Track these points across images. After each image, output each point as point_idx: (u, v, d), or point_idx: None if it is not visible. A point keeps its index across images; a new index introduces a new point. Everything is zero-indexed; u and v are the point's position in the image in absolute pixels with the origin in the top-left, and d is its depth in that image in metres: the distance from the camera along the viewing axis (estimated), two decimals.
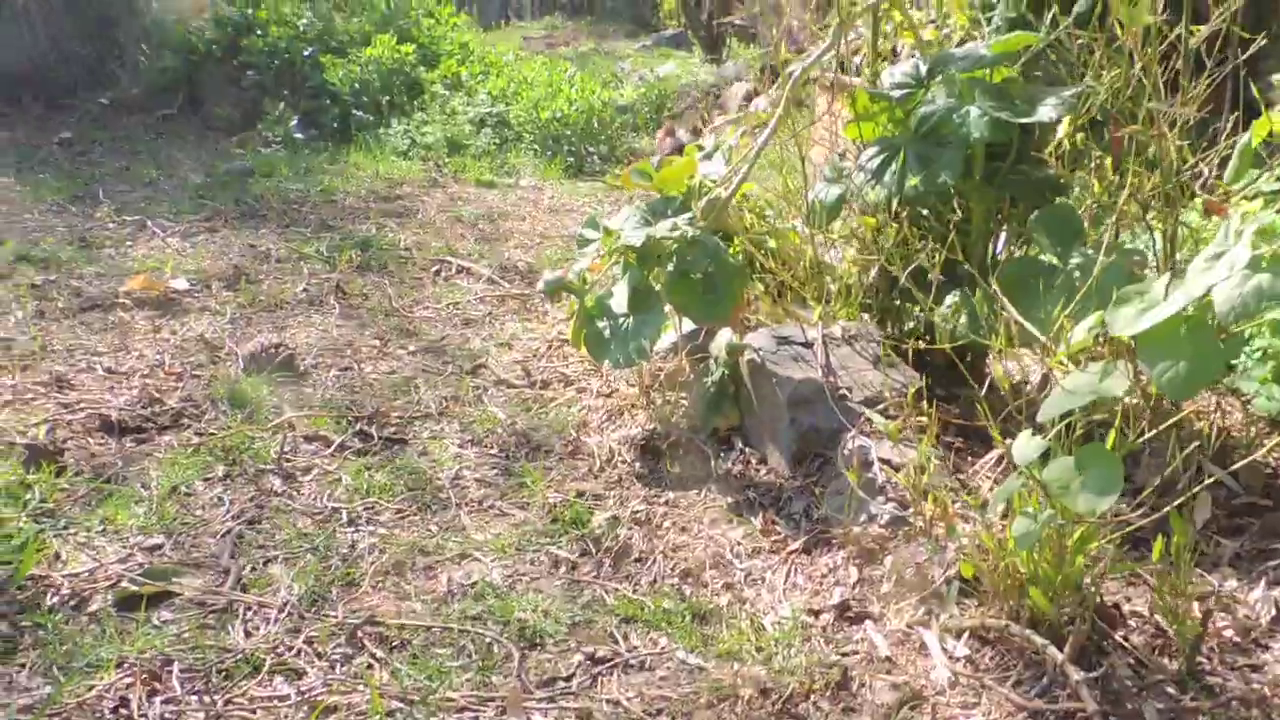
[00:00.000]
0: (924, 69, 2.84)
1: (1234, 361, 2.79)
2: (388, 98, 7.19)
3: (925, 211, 2.94)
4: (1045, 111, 2.60)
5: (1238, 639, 1.94)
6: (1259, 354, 2.57)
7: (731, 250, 3.09)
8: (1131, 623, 1.99)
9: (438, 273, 4.54)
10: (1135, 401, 2.51)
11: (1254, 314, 1.55)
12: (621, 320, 2.84)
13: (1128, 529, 1.96)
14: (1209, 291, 1.60)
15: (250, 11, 7.31)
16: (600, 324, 2.87)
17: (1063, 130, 2.71)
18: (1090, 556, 1.89)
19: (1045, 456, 1.82)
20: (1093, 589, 1.92)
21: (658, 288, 2.76)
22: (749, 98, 9.50)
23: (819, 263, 3.17)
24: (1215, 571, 2.16)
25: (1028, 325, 2.20)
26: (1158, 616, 1.95)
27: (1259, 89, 2.38)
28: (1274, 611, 2.00)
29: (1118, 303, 1.74)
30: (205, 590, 2.23)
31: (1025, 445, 1.78)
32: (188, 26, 7.37)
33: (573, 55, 12.73)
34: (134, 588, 2.22)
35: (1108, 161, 2.63)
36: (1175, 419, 2.00)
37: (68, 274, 4.23)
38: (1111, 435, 1.94)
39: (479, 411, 3.16)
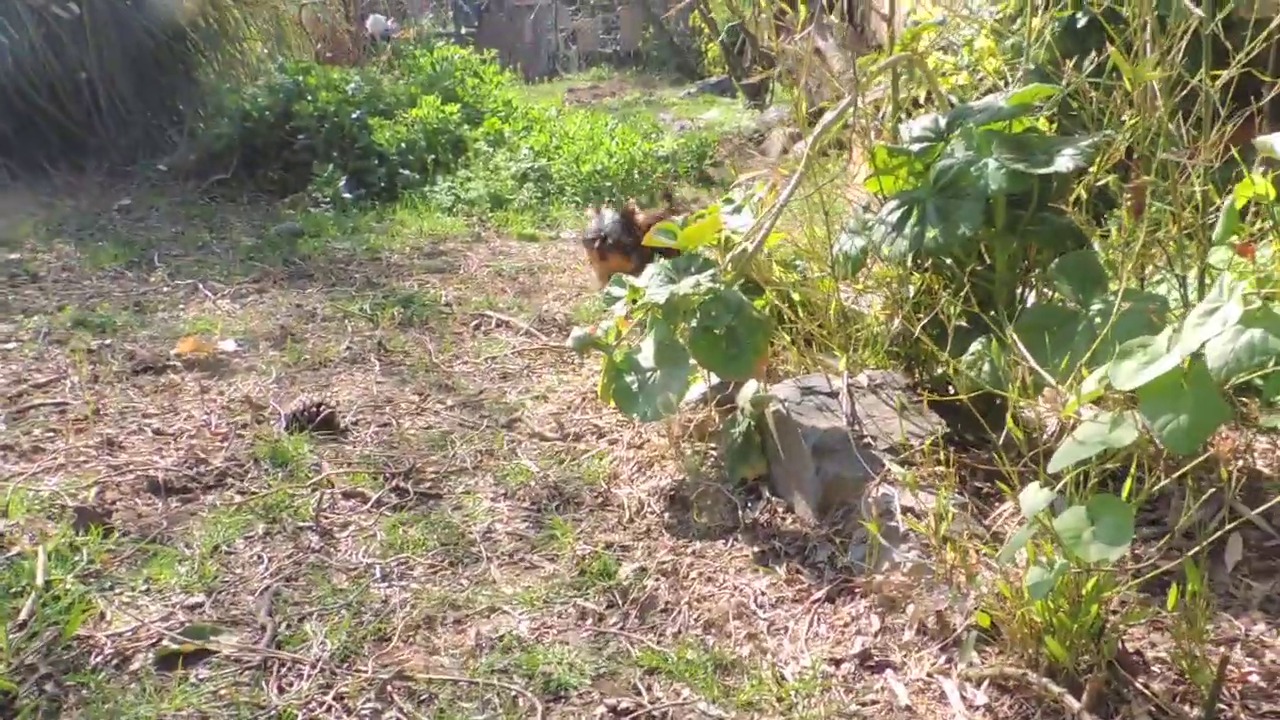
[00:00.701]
0: (943, 123, 2.88)
1: (1274, 400, 2.79)
2: (433, 156, 7.37)
3: (949, 261, 2.97)
4: (1063, 162, 2.62)
5: (1263, 684, 1.92)
6: None
7: (759, 303, 3.14)
8: (1154, 669, 1.98)
9: (477, 327, 4.63)
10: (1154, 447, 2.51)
11: (1246, 369, 1.56)
12: (649, 374, 2.89)
13: (1152, 574, 1.95)
14: (1203, 346, 1.61)
15: (301, 78, 7.55)
16: (628, 378, 2.92)
17: (1090, 175, 2.74)
18: (1107, 604, 1.89)
19: (1062, 499, 1.84)
20: (1112, 636, 1.92)
21: (683, 342, 2.81)
22: (792, 141, 9.60)
23: (844, 312, 3.21)
24: (1245, 615, 2.14)
25: (1042, 373, 2.21)
26: (1180, 663, 1.94)
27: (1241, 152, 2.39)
28: None
29: (1120, 356, 1.76)
30: (242, 648, 2.30)
31: (1033, 496, 1.79)
32: (241, 94, 7.62)
33: (617, 105, 12.96)
34: (174, 646, 2.29)
35: (1127, 209, 2.64)
36: (1197, 461, 2.00)
37: (122, 338, 4.38)
38: (1127, 483, 1.94)
39: (512, 465, 3.22)
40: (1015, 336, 2.35)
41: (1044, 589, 1.81)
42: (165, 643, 2.30)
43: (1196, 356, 1.64)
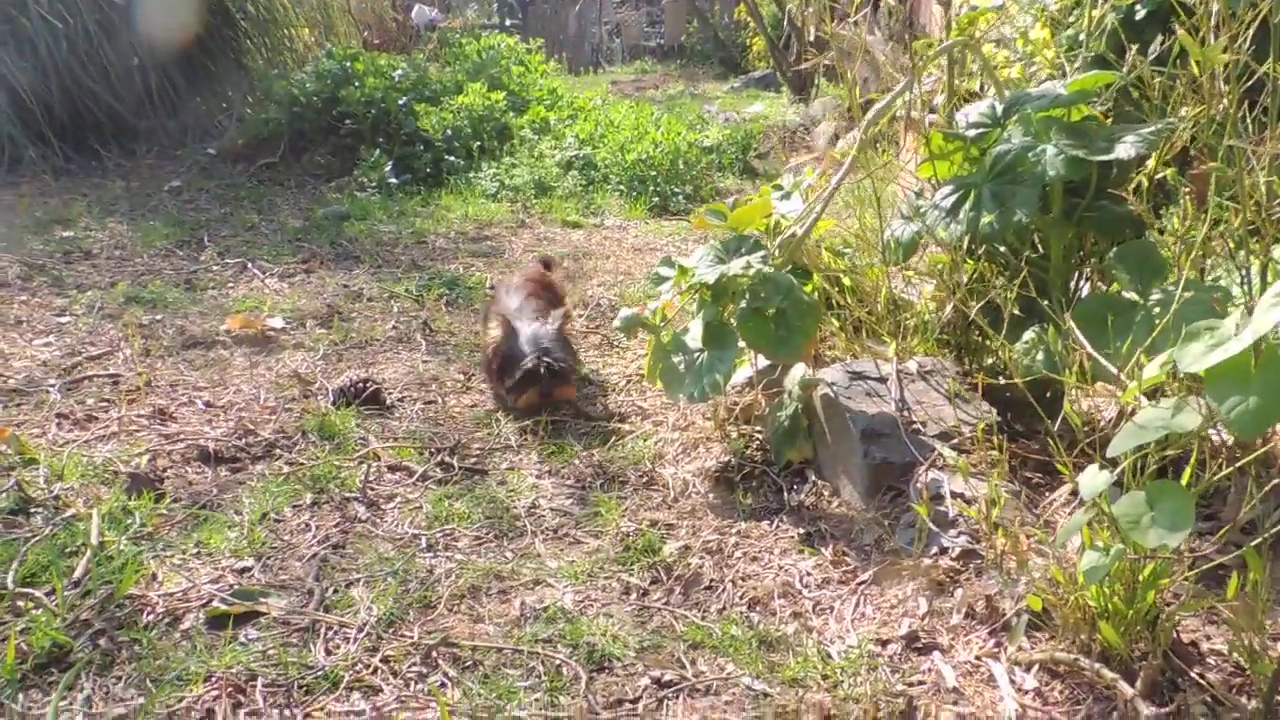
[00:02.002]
0: (1000, 109, 2.85)
1: None
2: (478, 143, 7.40)
3: (1002, 248, 2.95)
4: (1124, 149, 2.59)
5: None
6: None
7: (808, 288, 3.13)
8: (1210, 661, 1.95)
9: None
10: (1217, 438, 2.48)
11: None
12: (696, 355, 2.89)
13: (1208, 565, 1.93)
14: (1276, 328, 1.58)
15: (349, 64, 7.60)
16: (675, 359, 2.91)
17: (1150, 163, 2.70)
18: (1164, 592, 1.86)
19: (1117, 490, 1.81)
20: (1167, 624, 1.89)
21: (732, 324, 2.80)
22: (836, 137, 9.55)
23: (895, 299, 3.19)
24: None
25: (1101, 360, 2.19)
26: (1236, 655, 1.91)
27: None
28: None
29: (1187, 338, 1.73)
30: (290, 610, 2.32)
31: (1093, 478, 1.77)
32: (289, 80, 7.69)
33: (661, 98, 12.94)
34: (224, 607, 2.32)
35: (1187, 197, 2.61)
36: (1257, 454, 1.96)
37: (173, 314, 4.43)
38: (1187, 471, 1.92)
39: (556, 444, 3.23)
40: (1072, 324, 2.33)
41: (1100, 573, 1.78)
42: (215, 604, 2.33)
43: (1266, 341, 1.61)
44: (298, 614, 2.31)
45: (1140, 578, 1.82)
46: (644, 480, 2.98)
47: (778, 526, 2.68)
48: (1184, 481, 1.88)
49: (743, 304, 2.76)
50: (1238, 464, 1.95)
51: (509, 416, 3.44)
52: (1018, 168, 2.67)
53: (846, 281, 3.19)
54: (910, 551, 2.38)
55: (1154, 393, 2.03)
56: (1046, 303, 2.58)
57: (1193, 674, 1.87)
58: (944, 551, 2.33)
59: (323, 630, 2.25)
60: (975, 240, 2.72)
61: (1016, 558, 2.12)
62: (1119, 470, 1.81)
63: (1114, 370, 2.07)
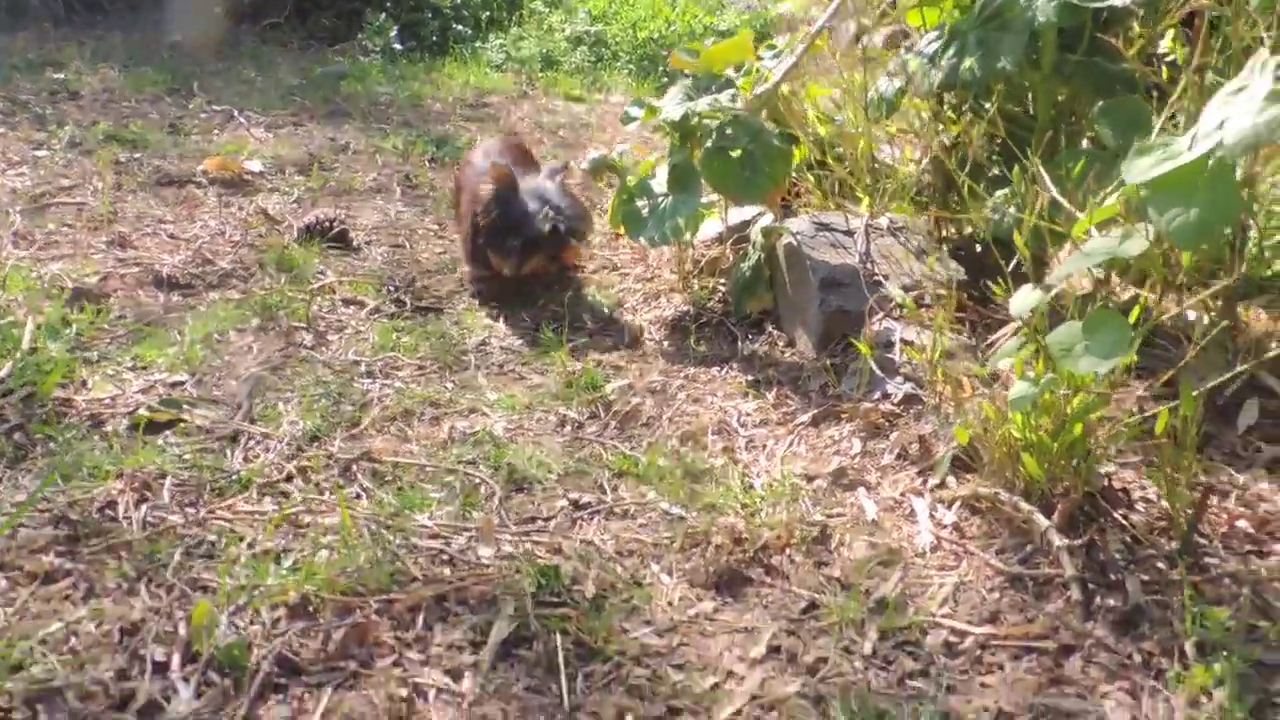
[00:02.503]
0: None
1: None
2: (488, 14, 7.21)
3: (988, 105, 2.81)
4: None
5: (1252, 530, 1.81)
6: None
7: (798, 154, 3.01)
8: (1140, 507, 1.88)
9: None
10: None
11: (1265, 143, 1.42)
12: (660, 199, 2.79)
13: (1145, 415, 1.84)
14: (1222, 125, 1.47)
15: None
16: (640, 203, 2.82)
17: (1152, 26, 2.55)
18: (1094, 430, 1.78)
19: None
20: (1090, 460, 1.81)
21: (697, 166, 2.69)
22: (857, 38, 9.28)
23: (875, 159, 3.07)
24: (1248, 472, 2.02)
25: (1062, 200, 2.08)
26: (1163, 500, 1.83)
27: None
28: None
29: (1138, 153, 1.62)
30: (215, 421, 2.28)
31: (1023, 297, 1.68)
32: None
33: None
34: (147, 414, 2.27)
35: (1174, 43, 2.46)
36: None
37: (152, 154, 4.35)
38: (1136, 310, 1.82)
39: (520, 292, 3.15)
40: (1040, 169, 2.21)
41: (1024, 402, 1.70)
42: (141, 411, 2.28)
43: (1215, 152, 1.49)
44: (222, 424, 2.26)
45: (1069, 409, 1.73)
46: (599, 325, 2.91)
47: (727, 372, 2.60)
48: (1132, 317, 1.78)
49: (708, 144, 2.65)
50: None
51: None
52: (1006, 13, 2.52)
53: (823, 132, 3.06)
54: (854, 397, 2.30)
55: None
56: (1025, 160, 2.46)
57: (1116, 515, 1.80)
58: (886, 396, 2.26)
59: (244, 440, 2.21)
60: (958, 88, 2.58)
61: (955, 401, 2.04)
62: (1054, 292, 1.72)
63: (1070, 207, 1.96)
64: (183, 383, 2.46)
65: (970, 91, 2.68)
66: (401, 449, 2.21)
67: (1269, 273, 2.71)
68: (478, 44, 6.92)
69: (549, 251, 2.98)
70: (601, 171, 2.91)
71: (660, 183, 2.81)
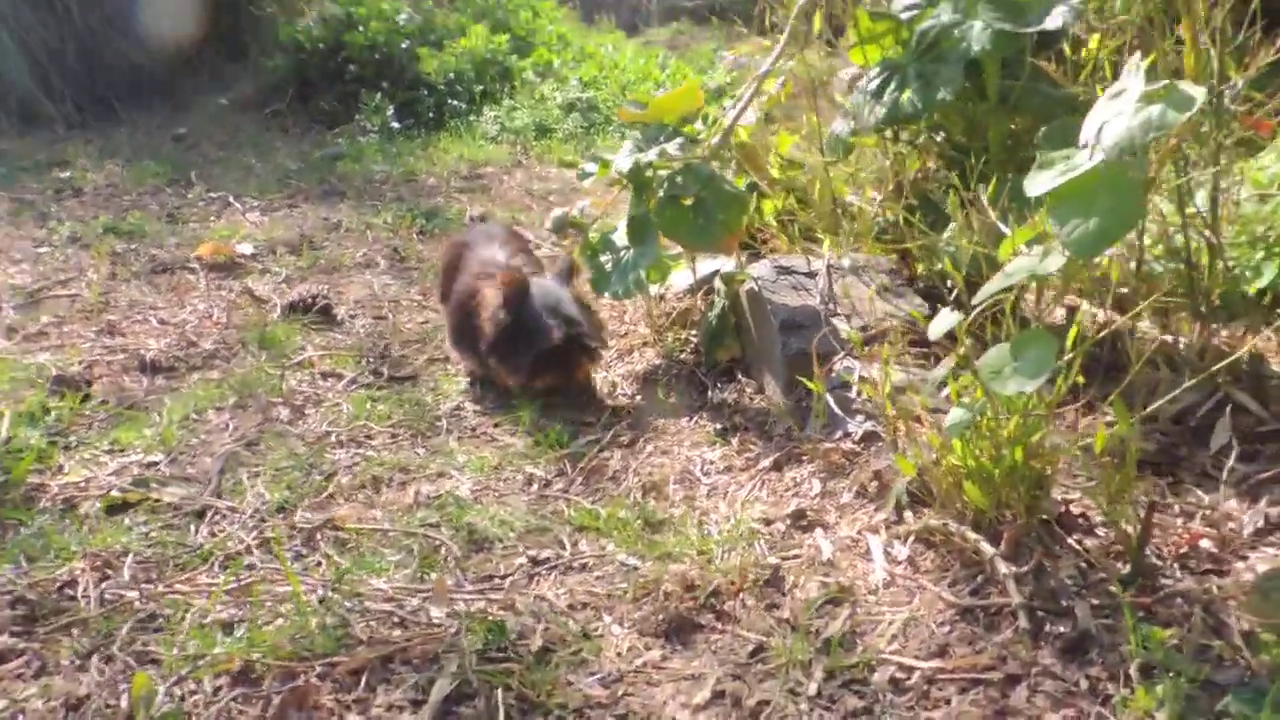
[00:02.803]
0: None
1: None
2: (481, 87, 7.34)
3: (940, 138, 2.83)
4: (1053, 20, 2.47)
5: (1214, 550, 1.78)
6: None
7: (768, 206, 3.05)
8: (1100, 532, 1.86)
9: None
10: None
11: (1140, 145, 1.43)
12: (623, 253, 2.82)
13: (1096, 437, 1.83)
14: (1101, 130, 1.48)
15: (352, 9, 7.57)
16: (604, 258, 2.85)
17: (1092, 44, 2.58)
18: (1037, 452, 1.77)
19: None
20: (1031, 482, 1.79)
21: (652, 216, 2.72)
22: (855, 80, 9.36)
23: (837, 200, 3.09)
24: (1215, 492, 1.99)
25: (992, 216, 2.10)
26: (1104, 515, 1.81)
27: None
28: (1261, 524, 1.83)
29: (1040, 166, 1.63)
30: (185, 498, 2.31)
31: (940, 321, 1.68)
32: (295, 26, 7.68)
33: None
34: (119, 495, 2.31)
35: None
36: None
37: (148, 243, 4.45)
38: (1072, 331, 1.82)
39: None
40: (983, 198, 2.23)
41: (959, 428, 1.70)
42: (113, 493, 2.32)
43: (1109, 160, 1.50)
44: (190, 501, 2.29)
45: (1004, 433, 1.73)
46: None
47: (695, 422, 2.61)
48: (1069, 341, 1.78)
49: (660, 194, 2.68)
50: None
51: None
52: (942, 45, 2.56)
53: (788, 175, 3.09)
54: (817, 438, 2.30)
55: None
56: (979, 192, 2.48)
57: (1070, 541, 1.77)
58: (847, 435, 2.25)
59: (209, 515, 2.23)
60: (899, 122, 2.61)
61: (907, 434, 2.03)
62: (978, 311, 1.72)
63: (1007, 231, 1.96)
64: (157, 463, 2.50)
65: (911, 123, 2.70)
66: (366, 515, 2.23)
67: (1253, 290, 2.71)
68: (472, 117, 7.04)
69: (562, 369, 2.77)
70: (564, 229, 2.94)
71: (621, 235, 2.84)
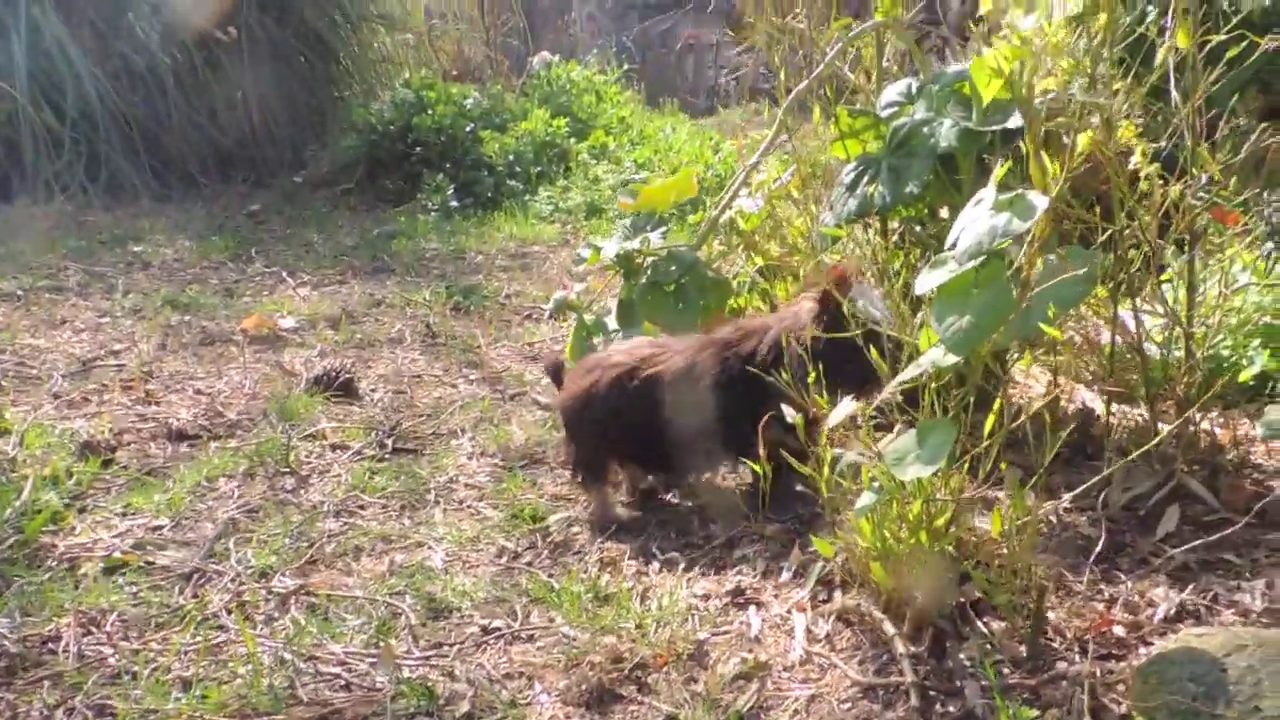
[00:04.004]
0: (915, 87, 2.84)
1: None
2: (539, 168, 7.61)
3: (920, 228, 2.92)
4: (1016, 120, 2.55)
5: (1123, 634, 1.81)
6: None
7: (779, 289, 3.16)
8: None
9: (528, 316, 4.76)
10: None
11: (987, 250, 1.51)
12: (614, 336, 2.95)
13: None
14: (959, 235, 1.57)
15: (424, 93, 7.94)
16: (597, 341, 2.98)
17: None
18: (947, 535, 1.83)
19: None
20: (936, 564, 1.84)
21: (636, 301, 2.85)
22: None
23: None
24: (1149, 579, 2.02)
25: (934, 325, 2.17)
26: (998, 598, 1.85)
27: None
28: (1172, 611, 1.86)
29: (931, 266, 1.72)
30: (177, 561, 2.47)
31: (841, 409, 1.76)
32: (369, 109, 8.07)
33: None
34: (119, 556, 2.48)
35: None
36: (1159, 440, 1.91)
37: (202, 316, 4.72)
38: (990, 418, 1.88)
39: (500, 430, 3.31)
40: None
41: (865, 510, 1.77)
42: (115, 554, 2.49)
43: (990, 260, 1.59)
44: (182, 564, 2.45)
45: (908, 516, 1.79)
46: (564, 460, 3.03)
47: (663, 502, 2.70)
48: (987, 429, 1.84)
49: (643, 279, 2.81)
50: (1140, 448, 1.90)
51: (465, 406, 3.54)
52: (913, 141, 2.66)
53: (760, 256, 3.19)
54: (778, 519, 2.38)
55: None
56: None
57: (979, 624, 1.82)
58: (799, 516, 2.32)
59: (197, 578, 2.39)
60: (871, 214, 2.70)
61: (844, 515, 2.10)
62: (890, 393, 1.80)
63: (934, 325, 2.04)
64: (162, 527, 2.67)
65: (880, 216, 2.79)
66: (339, 582, 2.36)
67: (1244, 379, 2.72)
68: (528, 197, 7.30)
69: None
70: (562, 311, 3.08)
71: (613, 319, 2.96)
